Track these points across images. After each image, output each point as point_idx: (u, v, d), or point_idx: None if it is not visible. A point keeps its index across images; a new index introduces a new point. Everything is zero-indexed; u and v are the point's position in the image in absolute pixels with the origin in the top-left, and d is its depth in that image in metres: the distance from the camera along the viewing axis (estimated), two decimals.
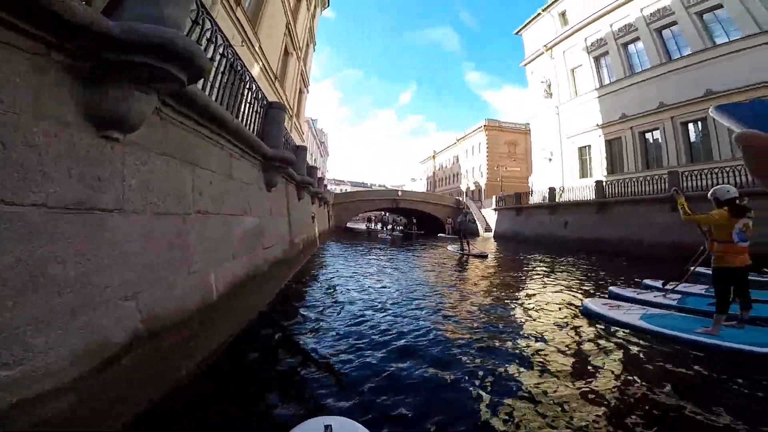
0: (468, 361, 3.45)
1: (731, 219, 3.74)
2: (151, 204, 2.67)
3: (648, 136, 18.77)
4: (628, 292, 6.10)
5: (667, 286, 5.84)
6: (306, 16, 20.67)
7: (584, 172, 22.40)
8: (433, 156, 64.92)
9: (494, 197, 28.15)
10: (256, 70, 12.04)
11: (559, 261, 12.40)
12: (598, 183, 17.54)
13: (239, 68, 4.67)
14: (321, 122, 63.61)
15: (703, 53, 15.67)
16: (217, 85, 4.06)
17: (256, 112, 5.66)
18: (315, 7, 23.93)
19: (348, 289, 6.81)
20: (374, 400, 2.71)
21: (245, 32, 10.71)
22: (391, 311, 5.27)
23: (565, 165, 23.68)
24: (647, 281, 7.23)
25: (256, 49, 12.09)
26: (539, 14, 25.74)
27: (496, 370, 3.28)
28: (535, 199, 23.89)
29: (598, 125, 20.98)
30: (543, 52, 25.32)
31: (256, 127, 5.76)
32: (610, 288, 6.56)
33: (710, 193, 4.09)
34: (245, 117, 5.28)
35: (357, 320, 4.71)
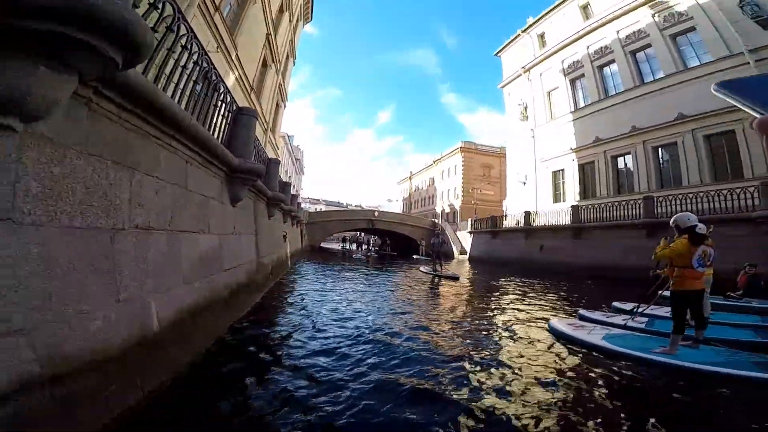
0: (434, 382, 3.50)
1: (691, 247, 4.00)
2: (61, 215, 2.05)
3: (620, 160, 19.15)
4: (597, 315, 6.20)
5: (639, 309, 6.00)
6: (287, 28, 20.36)
7: (557, 197, 22.66)
8: (410, 177, 65.32)
9: (470, 220, 28.14)
10: (231, 80, 11.49)
11: (534, 284, 12.22)
12: (574, 207, 17.65)
13: (205, 64, 4.13)
14: (297, 139, 63.10)
15: (676, 76, 16.10)
16: (182, 86, 3.53)
17: (223, 116, 5.09)
18: (297, 21, 23.72)
19: (315, 317, 6.14)
20: None
21: (221, 38, 10.22)
22: (363, 340, 4.77)
23: (539, 189, 23.90)
24: (616, 303, 7.38)
25: (233, 57, 11.58)
26: (518, 35, 26.25)
27: (457, 387, 3.36)
28: (509, 222, 23.83)
29: (572, 149, 21.33)
30: (521, 74, 25.80)
31: (222, 135, 5.20)
32: (580, 311, 6.59)
33: (672, 220, 4.40)
34: (211, 122, 4.72)
35: (324, 355, 4.10)
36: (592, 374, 3.81)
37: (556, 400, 3.15)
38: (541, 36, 24.88)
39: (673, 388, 3.47)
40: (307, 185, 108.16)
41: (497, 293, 10.29)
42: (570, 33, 21.78)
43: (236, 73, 12.20)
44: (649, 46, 17.80)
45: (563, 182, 22.34)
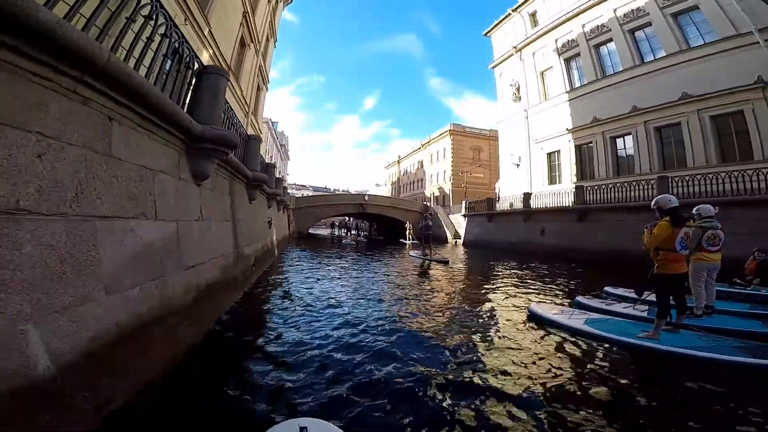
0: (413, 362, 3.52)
1: (674, 229, 3.92)
2: None
3: (619, 141, 18.48)
4: (595, 303, 5.94)
5: (643, 296, 5.55)
6: (266, 8, 18.88)
7: (553, 179, 21.99)
8: (398, 161, 64.03)
9: (464, 202, 27.21)
10: (204, 57, 10.11)
11: (532, 269, 11.70)
12: (579, 188, 16.76)
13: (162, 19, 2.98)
14: (282, 125, 60.93)
15: (679, 55, 15.36)
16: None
17: (178, 71, 3.91)
18: (277, 2, 22.09)
19: (306, 318, 5.17)
20: None
21: (190, 12, 8.91)
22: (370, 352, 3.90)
23: (534, 170, 23.16)
24: (608, 288, 7.15)
25: (205, 33, 10.21)
26: (509, 14, 25.25)
27: (435, 370, 3.36)
28: (502, 205, 23.18)
29: (568, 129, 20.56)
30: (512, 54, 24.82)
31: (181, 99, 4.03)
32: (577, 298, 6.31)
33: (653, 202, 4.34)
34: (166, 82, 3.57)
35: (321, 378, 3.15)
36: (573, 358, 3.78)
37: (534, 383, 3.15)
38: (533, 15, 23.89)
39: (655, 372, 3.51)
40: (293, 171, 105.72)
41: (488, 278, 9.92)
42: (564, 11, 20.87)
43: (210, 51, 10.83)
44: (649, 24, 16.93)
45: (559, 164, 21.59)
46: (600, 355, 3.83)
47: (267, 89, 23.49)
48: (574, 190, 17.08)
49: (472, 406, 2.72)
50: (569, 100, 20.81)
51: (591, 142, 19.51)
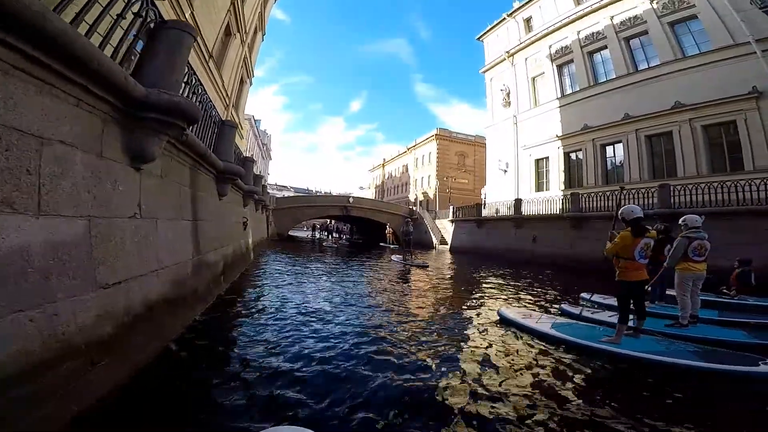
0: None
1: (634, 239, 4.04)
2: None
3: (609, 149, 18.21)
4: (577, 310, 6.00)
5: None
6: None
7: (540, 186, 21.59)
8: (383, 164, 63.14)
9: (451, 208, 26.46)
10: None
11: (521, 276, 11.50)
12: (575, 195, 16.12)
13: None
14: (264, 124, 59.20)
15: (674, 64, 15.14)
16: None
17: (119, 17, 2.86)
18: None
19: (279, 348, 4.15)
20: None
21: None
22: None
23: (521, 177, 22.72)
24: (584, 294, 7.24)
25: (187, 15, 9.05)
26: (504, 19, 24.94)
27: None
28: (489, 211, 22.68)
29: (557, 136, 20.21)
30: (504, 59, 24.43)
31: (120, 50, 2.98)
32: (562, 305, 6.52)
33: (619, 212, 4.51)
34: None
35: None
36: (537, 361, 3.89)
37: (497, 384, 3.23)
38: (528, 20, 23.83)
39: (615, 376, 3.63)
40: (274, 172, 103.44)
41: (471, 284, 9.88)
42: (559, 18, 20.75)
43: None
44: (645, 33, 16.82)
45: (547, 170, 21.27)
46: (560, 357, 3.98)
47: (251, 83, 22.22)
48: (569, 196, 16.44)
49: (433, 406, 2.82)
50: (560, 107, 20.58)
51: (580, 150, 19.22)
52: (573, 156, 19.79)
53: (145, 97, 2.94)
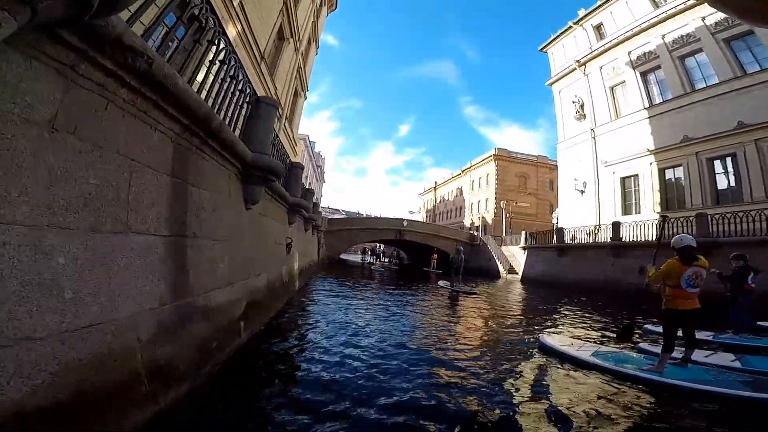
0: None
1: (681, 267, 3.97)
2: None
3: (718, 164, 15.19)
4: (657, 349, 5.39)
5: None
6: (311, 6, 17.60)
7: (628, 207, 18.64)
8: (435, 187, 61.56)
9: (523, 233, 23.86)
10: (231, 33, 8.28)
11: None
12: (702, 216, 12.69)
13: None
14: (318, 146, 60.59)
15: None
16: None
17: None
18: (321, 5, 20.99)
19: None
20: None
21: None
22: None
23: (603, 198, 19.89)
24: (648, 326, 7.04)
25: (235, 4, 8.48)
26: (570, 27, 23.07)
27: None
28: (565, 237, 19.88)
29: (649, 150, 17.47)
30: (575, 69, 22.31)
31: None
32: (639, 345, 5.77)
33: (672, 241, 4.24)
34: None
35: None
36: (578, 389, 3.81)
37: (540, 412, 3.20)
38: (598, 27, 21.84)
39: (658, 404, 3.49)
40: (327, 194, 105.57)
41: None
42: (637, 22, 18.64)
43: (238, 27, 9.02)
44: (750, 33, 14.13)
45: (636, 190, 18.33)
46: (604, 386, 3.88)
47: (305, 97, 22.02)
48: (692, 219, 13.20)
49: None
50: (649, 117, 17.92)
51: (680, 165, 16.31)
52: (670, 173, 16.88)
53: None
